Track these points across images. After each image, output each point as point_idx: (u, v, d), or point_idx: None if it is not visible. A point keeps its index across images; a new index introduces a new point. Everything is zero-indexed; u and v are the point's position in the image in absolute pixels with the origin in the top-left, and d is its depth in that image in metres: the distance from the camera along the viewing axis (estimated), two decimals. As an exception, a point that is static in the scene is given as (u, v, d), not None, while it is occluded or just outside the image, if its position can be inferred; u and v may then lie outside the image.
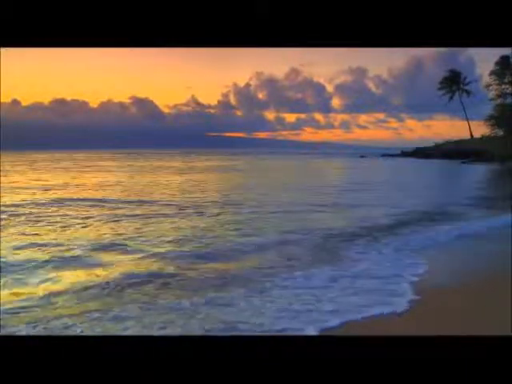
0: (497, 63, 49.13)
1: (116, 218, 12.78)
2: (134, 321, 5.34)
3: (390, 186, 25.94)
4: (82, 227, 11.49)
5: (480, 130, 53.50)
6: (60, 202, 16.15)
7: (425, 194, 21.23)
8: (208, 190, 21.90)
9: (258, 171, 41.63)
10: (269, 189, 22.54)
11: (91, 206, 15.38)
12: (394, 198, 18.77)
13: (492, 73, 49.23)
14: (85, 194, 18.88)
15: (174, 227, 11.65)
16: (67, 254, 8.52)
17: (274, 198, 18.53)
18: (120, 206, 15.50)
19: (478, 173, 37.44)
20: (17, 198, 16.87)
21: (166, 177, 30.45)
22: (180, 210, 14.64)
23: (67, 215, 13.33)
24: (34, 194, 18.79)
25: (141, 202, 16.38)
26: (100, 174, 31.76)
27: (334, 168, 49.11)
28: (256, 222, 12.35)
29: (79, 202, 16.16)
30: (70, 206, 15.33)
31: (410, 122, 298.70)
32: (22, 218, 12.64)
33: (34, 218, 12.57)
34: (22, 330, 5.02)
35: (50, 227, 11.40)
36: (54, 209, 14.54)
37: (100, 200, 16.82)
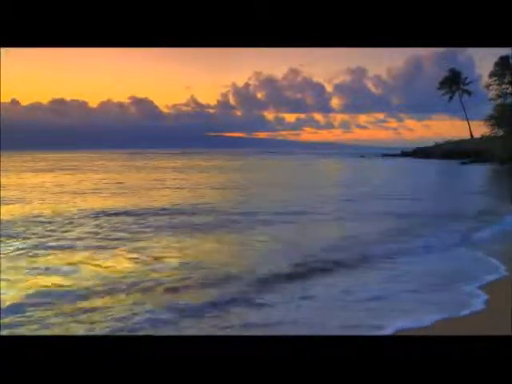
0: (497, 63, 49.17)
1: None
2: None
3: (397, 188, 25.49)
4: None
5: (480, 130, 53.53)
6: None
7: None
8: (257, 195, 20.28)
9: (281, 173, 40.66)
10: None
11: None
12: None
13: (492, 73, 49.28)
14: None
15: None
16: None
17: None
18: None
19: (481, 174, 37.30)
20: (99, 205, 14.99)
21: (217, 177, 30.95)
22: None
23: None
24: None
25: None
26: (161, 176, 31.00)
27: (346, 168, 48.72)
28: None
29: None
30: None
31: (410, 122, 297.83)
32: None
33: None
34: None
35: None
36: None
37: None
